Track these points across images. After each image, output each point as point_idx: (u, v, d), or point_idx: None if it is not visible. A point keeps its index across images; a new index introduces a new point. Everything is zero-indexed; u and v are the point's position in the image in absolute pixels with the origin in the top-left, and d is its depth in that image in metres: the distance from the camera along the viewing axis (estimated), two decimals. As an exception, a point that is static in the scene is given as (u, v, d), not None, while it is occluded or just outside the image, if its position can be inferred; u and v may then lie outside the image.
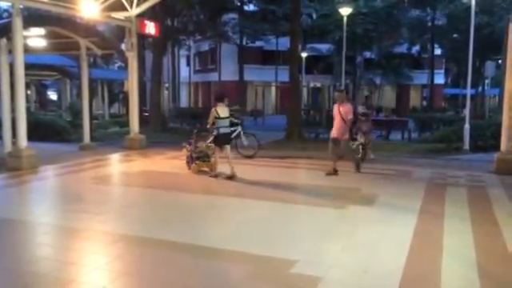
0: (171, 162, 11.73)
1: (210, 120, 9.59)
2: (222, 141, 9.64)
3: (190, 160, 10.33)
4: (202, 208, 7.32)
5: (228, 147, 9.86)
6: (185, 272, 4.61)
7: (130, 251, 5.22)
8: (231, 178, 9.44)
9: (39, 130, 15.28)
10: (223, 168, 9.64)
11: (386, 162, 11.29)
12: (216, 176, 9.62)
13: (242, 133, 12.43)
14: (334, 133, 9.99)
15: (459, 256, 5.08)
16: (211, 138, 9.89)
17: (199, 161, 10.21)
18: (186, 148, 10.56)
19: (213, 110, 9.62)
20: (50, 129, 16.89)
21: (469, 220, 6.44)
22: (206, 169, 10.13)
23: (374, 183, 9.34)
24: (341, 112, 9.80)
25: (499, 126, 10.84)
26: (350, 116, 9.80)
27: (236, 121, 12.85)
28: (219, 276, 4.47)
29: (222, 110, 9.65)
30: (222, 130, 9.58)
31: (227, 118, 9.73)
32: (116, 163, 12.55)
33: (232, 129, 12.23)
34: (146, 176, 10.26)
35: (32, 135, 11.58)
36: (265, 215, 6.86)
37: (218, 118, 9.53)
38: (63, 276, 4.46)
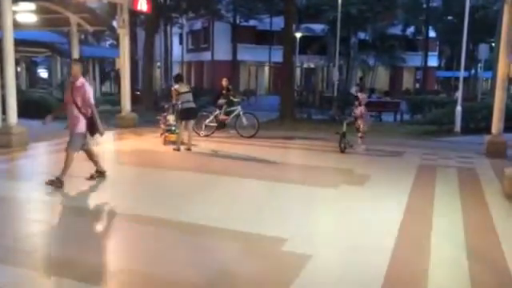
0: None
1: (173, 98, 10.45)
2: (184, 115, 10.18)
3: (164, 132, 11.17)
4: (194, 186, 7.32)
5: (191, 122, 10.46)
6: (175, 250, 4.63)
7: (121, 228, 5.23)
8: (178, 149, 10.03)
9: (30, 108, 15.09)
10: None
11: (377, 143, 11.32)
12: (178, 149, 10.05)
13: (241, 113, 12.33)
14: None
15: (448, 236, 5.14)
16: (176, 113, 10.58)
17: (168, 133, 11.01)
18: (160, 121, 11.40)
19: (172, 89, 10.59)
20: (41, 106, 16.69)
21: (458, 201, 6.52)
22: (173, 139, 10.68)
23: (366, 164, 9.40)
24: (73, 94, 6.77)
25: (491, 108, 10.88)
26: (88, 99, 6.77)
27: (236, 100, 12.83)
28: (209, 253, 4.48)
29: (182, 87, 10.33)
30: (184, 105, 10.15)
31: (189, 91, 10.30)
32: (107, 141, 12.41)
33: (232, 108, 12.34)
34: (138, 154, 10.22)
35: (22, 113, 11.44)
36: (256, 194, 6.89)
37: (180, 93, 10.18)
38: (53, 252, 4.46)
